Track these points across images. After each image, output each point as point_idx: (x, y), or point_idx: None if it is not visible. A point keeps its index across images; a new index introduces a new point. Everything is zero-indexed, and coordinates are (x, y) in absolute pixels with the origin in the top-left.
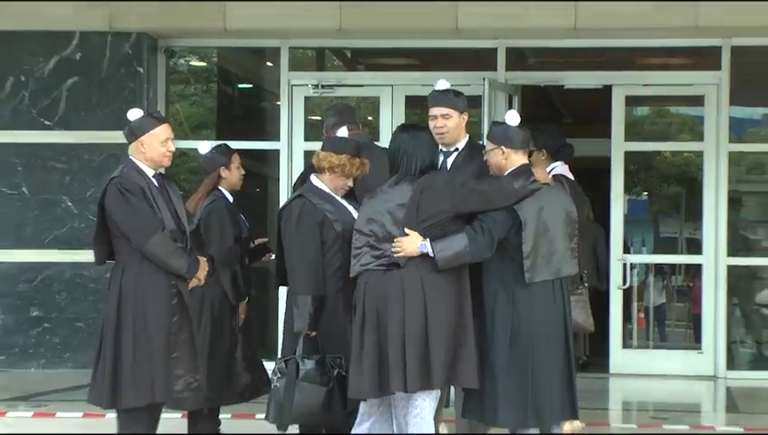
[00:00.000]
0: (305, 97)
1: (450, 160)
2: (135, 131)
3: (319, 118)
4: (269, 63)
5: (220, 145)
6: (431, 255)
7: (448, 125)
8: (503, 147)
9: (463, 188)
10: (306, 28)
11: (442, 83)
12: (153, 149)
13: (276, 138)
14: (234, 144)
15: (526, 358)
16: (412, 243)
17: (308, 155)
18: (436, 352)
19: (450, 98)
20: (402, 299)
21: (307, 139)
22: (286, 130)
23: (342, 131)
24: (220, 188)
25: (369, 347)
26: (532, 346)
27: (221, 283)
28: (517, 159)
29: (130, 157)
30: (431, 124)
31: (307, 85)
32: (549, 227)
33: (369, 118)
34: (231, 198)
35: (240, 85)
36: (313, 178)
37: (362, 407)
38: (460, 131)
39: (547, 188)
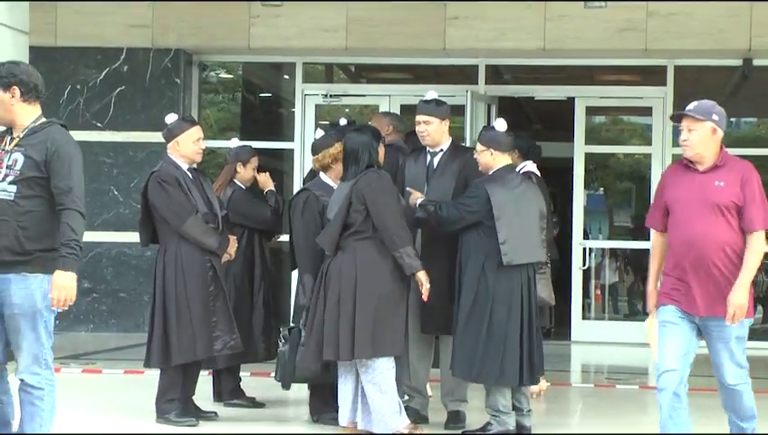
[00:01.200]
0: (316, 105)
1: (436, 160)
2: (172, 132)
3: (327, 122)
4: (286, 76)
5: (246, 145)
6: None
7: (429, 130)
8: (491, 149)
9: (376, 203)
10: (317, 47)
11: (431, 94)
12: (187, 147)
13: (291, 139)
14: (255, 144)
15: (481, 324)
16: (412, 198)
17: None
18: (364, 325)
19: (432, 107)
20: (339, 278)
21: None
22: (299, 132)
23: (318, 133)
24: (235, 180)
25: (316, 319)
26: (491, 313)
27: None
28: (503, 159)
29: (168, 154)
30: (417, 128)
31: (318, 95)
32: (524, 220)
33: (370, 123)
34: (244, 189)
35: (261, 94)
36: (322, 175)
37: (339, 368)
38: (442, 135)
39: (523, 183)
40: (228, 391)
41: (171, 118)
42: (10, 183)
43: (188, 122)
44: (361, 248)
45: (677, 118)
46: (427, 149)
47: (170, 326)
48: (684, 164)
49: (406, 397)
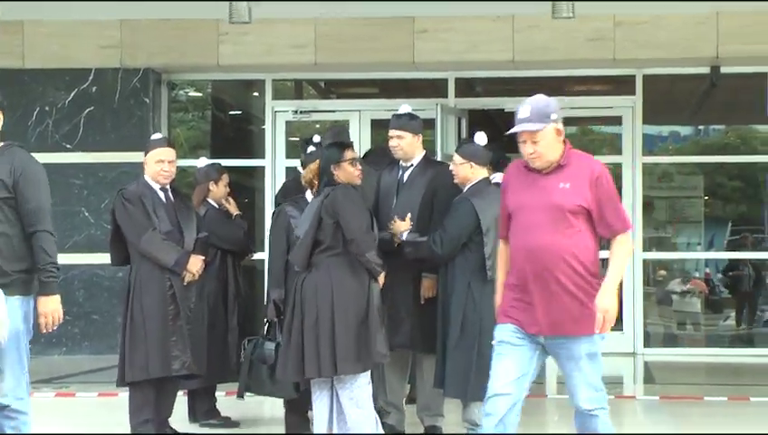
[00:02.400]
0: (286, 121)
1: (407, 174)
2: (145, 151)
3: (297, 139)
4: (255, 93)
5: (215, 163)
6: (403, 245)
7: (401, 144)
8: (471, 162)
9: (343, 213)
10: (287, 64)
11: (404, 108)
12: (150, 167)
13: (262, 156)
14: (225, 162)
15: (473, 341)
16: (396, 228)
17: (289, 171)
18: (343, 342)
19: (404, 121)
20: (316, 296)
21: (288, 156)
22: (270, 149)
23: (309, 149)
24: (208, 199)
25: (294, 337)
26: (480, 331)
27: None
28: (481, 173)
29: (144, 173)
30: (390, 142)
31: (287, 111)
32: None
33: (320, 140)
34: (217, 207)
35: (231, 112)
36: (307, 194)
37: (313, 385)
38: (414, 149)
39: (490, 199)
40: (203, 411)
41: (152, 136)
42: None
43: (154, 142)
44: (335, 265)
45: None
46: (400, 162)
47: (126, 344)
48: (525, 164)
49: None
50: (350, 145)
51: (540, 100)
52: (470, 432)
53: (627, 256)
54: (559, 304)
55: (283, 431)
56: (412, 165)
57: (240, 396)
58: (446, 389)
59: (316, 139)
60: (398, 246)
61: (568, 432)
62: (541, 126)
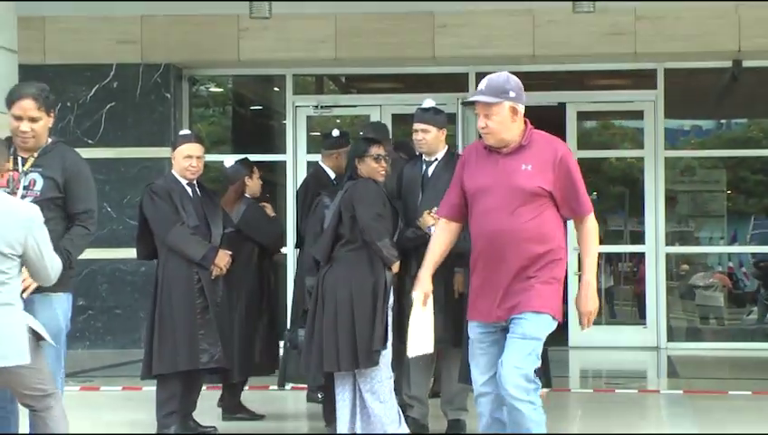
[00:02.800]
0: (307, 116)
1: (431, 169)
2: (172, 146)
3: (318, 134)
4: (276, 88)
5: (243, 159)
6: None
7: (426, 138)
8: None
9: (359, 206)
10: (307, 59)
11: (428, 102)
12: (178, 163)
13: (283, 151)
14: (246, 157)
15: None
16: (423, 222)
17: (310, 165)
18: (363, 335)
19: (430, 115)
20: (335, 290)
21: (309, 151)
22: (291, 144)
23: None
24: (246, 195)
25: (316, 330)
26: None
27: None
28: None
29: (172, 168)
30: (414, 136)
31: (308, 106)
32: None
33: (362, 133)
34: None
35: (252, 107)
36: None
37: (336, 379)
38: (438, 143)
39: None
40: (231, 405)
41: (181, 132)
42: None
43: (183, 138)
44: (354, 259)
45: (470, 103)
46: (423, 157)
47: (154, 337)
48: (485, 145)
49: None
50: (378, 141)
51: (500, 75)
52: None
53: (597, 242)
54: (519, 289)
55: (307, 425)
56: (436, 159)
57: (281, 385)
58: (467, 380)
59: (335, 133)
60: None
61: (578, 432)
62: (494, 100)
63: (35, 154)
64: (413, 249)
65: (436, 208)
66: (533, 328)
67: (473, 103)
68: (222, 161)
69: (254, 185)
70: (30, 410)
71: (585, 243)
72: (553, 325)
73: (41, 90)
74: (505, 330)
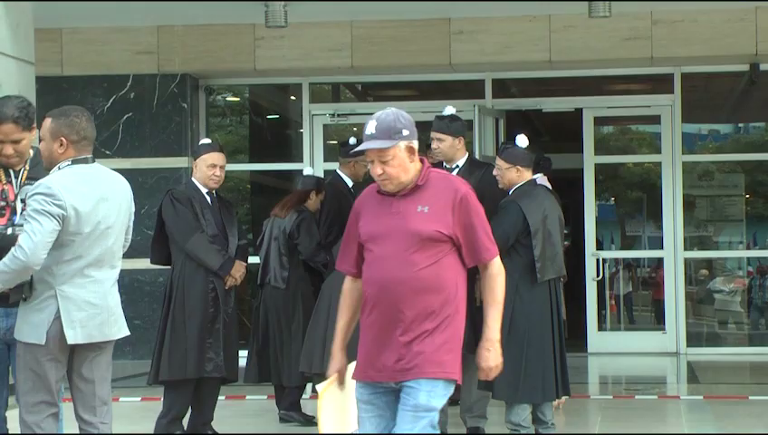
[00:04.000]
0: (324, 125)
1: None
2: (194, 154)
3: (335, 142)
4: (292, 97)
5: (321, 178)
6: None
7: (441, 147)
8: (517, 166)
9: None
10: (323, 67)
11: (448, 109)
12: (201, 171)
13: (300, 159)
14: (263, 166)
15: (522, 343)
16: None
17: (327, 174)
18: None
19: (445, 124)
20: (331, 293)
21: (326, 160)
22: (308, 152)
23: None
24: (306, 206)
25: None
26: (529, 333)
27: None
28: (526, 175)
29: (192, 176)
30: (431, 145)
31: (325, 115)
32: (551, 232)
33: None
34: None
35: (268, 116)
36: None
37: None
38: (455, 151)
39: (546, 197)
40: (286, 404)
41: (203, 141)
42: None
43: (207, 147)
44: None
45: (359, 153)
46: (444, 164)
47: (165, 343)
48: (378, 189)
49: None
50: None
51: (388, 114)
52: (513, 433)
53: (503, 290)
54: (413, 350)
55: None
56: (458, 166)
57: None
58: (494, 391)
59: (352, 141)
60: None
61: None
62: (389, 144)
63: (27, 166)
64: None
65: None
66: (427, 398)
67: (363, 152)
68: (239, 170)
69: (314, 202)
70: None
71: (489, 292)
72: (451, 389)
73: (21, 109)
74: (398, 391)
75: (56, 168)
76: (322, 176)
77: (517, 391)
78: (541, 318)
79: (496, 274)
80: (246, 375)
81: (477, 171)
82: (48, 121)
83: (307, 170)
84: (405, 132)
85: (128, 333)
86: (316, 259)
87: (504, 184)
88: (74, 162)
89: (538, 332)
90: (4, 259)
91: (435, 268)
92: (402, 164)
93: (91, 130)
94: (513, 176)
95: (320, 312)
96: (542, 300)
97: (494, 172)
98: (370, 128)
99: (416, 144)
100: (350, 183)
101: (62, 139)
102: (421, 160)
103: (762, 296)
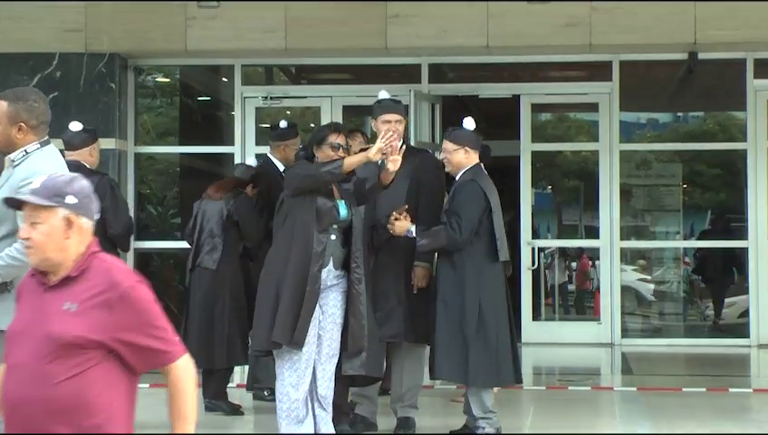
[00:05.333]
0: (256, 108)
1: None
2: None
3: (267, 125)
4: (224, 79)
5: (258, 172)
6: (417, 240)
7: (400, 129)
8: (466, 147)
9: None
10: (256, 49)
11: (384, 93)
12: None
13: (231, 143)
14: (194, 149)
15: (494, 327)
16: (400, 227)
17: (259, 158)
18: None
19: (401, 106)
20: None
21: (258, 143)
22: (240, 136)
23: None
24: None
25: None
26: (497, 315)
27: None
28: (474, 157)
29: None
30: (384, 127)
31: (257, 97)
32: (500, 216)
33: (312, 125)
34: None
35: (199, 98)
36: None
37: None
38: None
39: (488, 181)
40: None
41: (75, 126)
42: None
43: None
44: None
45: (14, 203)
46: None
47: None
48: (33, 272)
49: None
50: (338, 128)
51: (63, 177)
52: (481, 423)
53: (194, 398)
54: None
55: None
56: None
57: (249, 388)
58: (471, 379)
59: (283, 124)
60: (389, 238)
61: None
62: (46, 202)
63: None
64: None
65: (406, 207)
66: None
67: (17, 204)
68: (168, 153)
69: (250, 195)
70: None
71: (177, 403)
72: None
73: None
74: None
75: (22, 151)
76: (255, 160)
77: (498, 374)
78: (504, 300)
79: (181, 378)
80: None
81: (413, 157)
82: (5, 105)
83: (249, 160)
84: (71, 200)
85: None
86: (255, 242)
87: (452, 167)
88: (42, 145)
89: (503, 313)
90: (7, 252)
91: (78, 383)
92: (54, 236)
93: (48, 113)
94: (462, 158)
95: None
96: (501, 281)
97: (442, 156)
98: (37, 182)
99: (85, 223)
100: (281, 167)
101: (22, 124)
102: (87, 246)
103: (697, 288)
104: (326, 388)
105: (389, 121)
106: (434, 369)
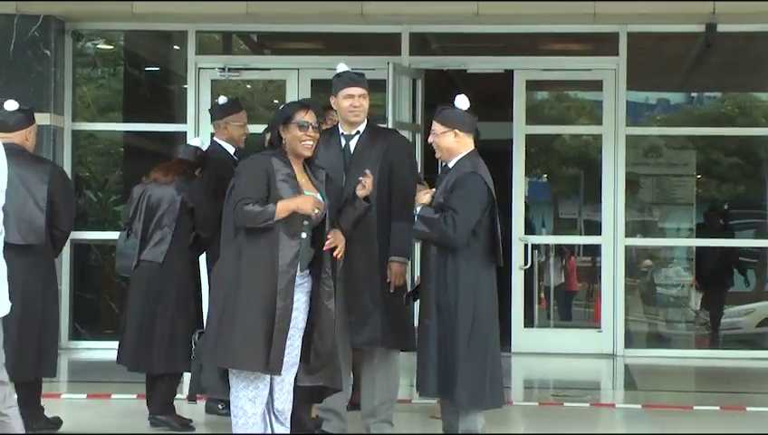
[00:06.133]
0: (212, 80)
1: (353, 144)
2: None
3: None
4: (176, 47)
5: (206, 155)
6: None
7: (364, 105)
8: (456, 130)
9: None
10: (213, 13)
11: (343, 66)
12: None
13: (183, 120)
14: (141, 126)
15: (486, 342)
16: (420, 198)
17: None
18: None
19: (365, 79)
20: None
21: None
22: (193, 112)
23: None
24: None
25: None
26: (491, 330)
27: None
28: (468, 142)
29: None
30: (346, 103)
31: (214, 69)
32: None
33: (276, 101)
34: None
35: (147, 68)
36: None
37: None
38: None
39: (487, 172)
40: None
41: (10, 105)
42: None
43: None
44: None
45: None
46: (340, 131)
47: None
48: None
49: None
50: (306, 105)
51: None
52: None
53: None
54: None
55: None
56: (358, 132)
57: (192, 399)
58: (457, 398)
59: (222, 100)
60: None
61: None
62: None
63: None
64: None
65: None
66: None
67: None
68: (111, 130)
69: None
70: None
71: None
72: None
73: None
74: None
75: None
76: (201, 141)
77: (484, 395)
78: (496, 311)
79: None
80: (121, 362)
81: (383, 138)
82: None
83: (194, 141)
84: None
85: (6, 311)
86: (210, 233)
87: (441, 153)
88: None
89: (495, 327)
90: None
91: None
92: None
93: None
94: (451, 142)
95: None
96: (495, 291)
97: (430, 139)
98: None
99: None
100: (231, 150)
101: None
102: None
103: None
104: (284, 401)
105: (352, 96)
106: (425, 386)
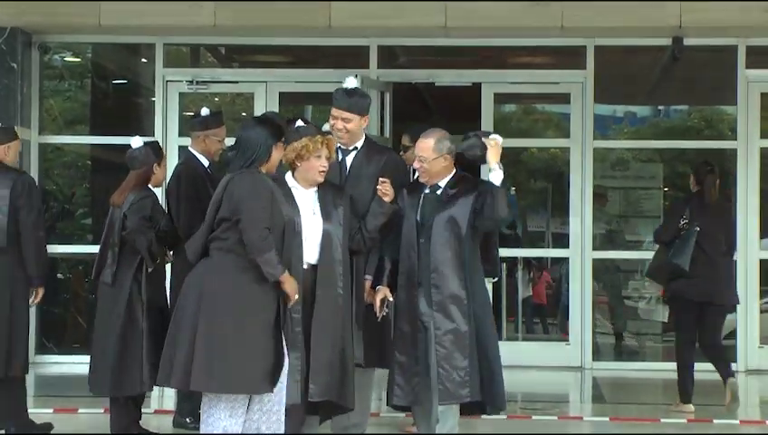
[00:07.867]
0: (180, 93)
1: (349, 160)
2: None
3: (192, 114)
4: (144, 60)
5: (153, 142)
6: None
7: (348, 127)
8: (445, 154)
9: (242, 205)
10: (181, 26)
11: (351, 81)
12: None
13: (151, 133)
14: (107, 139)
15: (486, 352)
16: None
17: (182, 151)
18: (205, 352)
19: (354, 101)
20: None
21: (181, 134)
22: (161, 125)
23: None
24: (149, 186)
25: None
26: (490, 336)
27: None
28: (451, 165)
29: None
30: (330, 122)
31: (182, 81)
32: None
33: (244, 114)
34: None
35: (115, 81)
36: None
37: None
38: (360, 133)
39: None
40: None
41: None
42: None
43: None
44: (220, 260)
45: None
46: (339, 146)
47: None
48: None
49: None
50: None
51: None
52: None
53: None
54: None
55: None
56: (356, 148)
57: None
58: (498, 401)
59: (204, 112)
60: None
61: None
62: None
63: None
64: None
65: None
66: None
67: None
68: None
69: (160, 175)
70: None
71: None
72: None
73: None
74: None
75: None
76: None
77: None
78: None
79: None
80: (91, 385)
81: (378, 156)
82: None
83: (135, 142)
84: None
85: None
86: (139, 237)
87: (427, 178)
88: None
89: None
90: None
91: None
92: None
93: None
94: (442, 167)
95: (183, 318)
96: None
97: (416, 165)
98: None
99: None
100: (206, 162)
101: None
102: None
103: None
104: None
105: (335, 118)
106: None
